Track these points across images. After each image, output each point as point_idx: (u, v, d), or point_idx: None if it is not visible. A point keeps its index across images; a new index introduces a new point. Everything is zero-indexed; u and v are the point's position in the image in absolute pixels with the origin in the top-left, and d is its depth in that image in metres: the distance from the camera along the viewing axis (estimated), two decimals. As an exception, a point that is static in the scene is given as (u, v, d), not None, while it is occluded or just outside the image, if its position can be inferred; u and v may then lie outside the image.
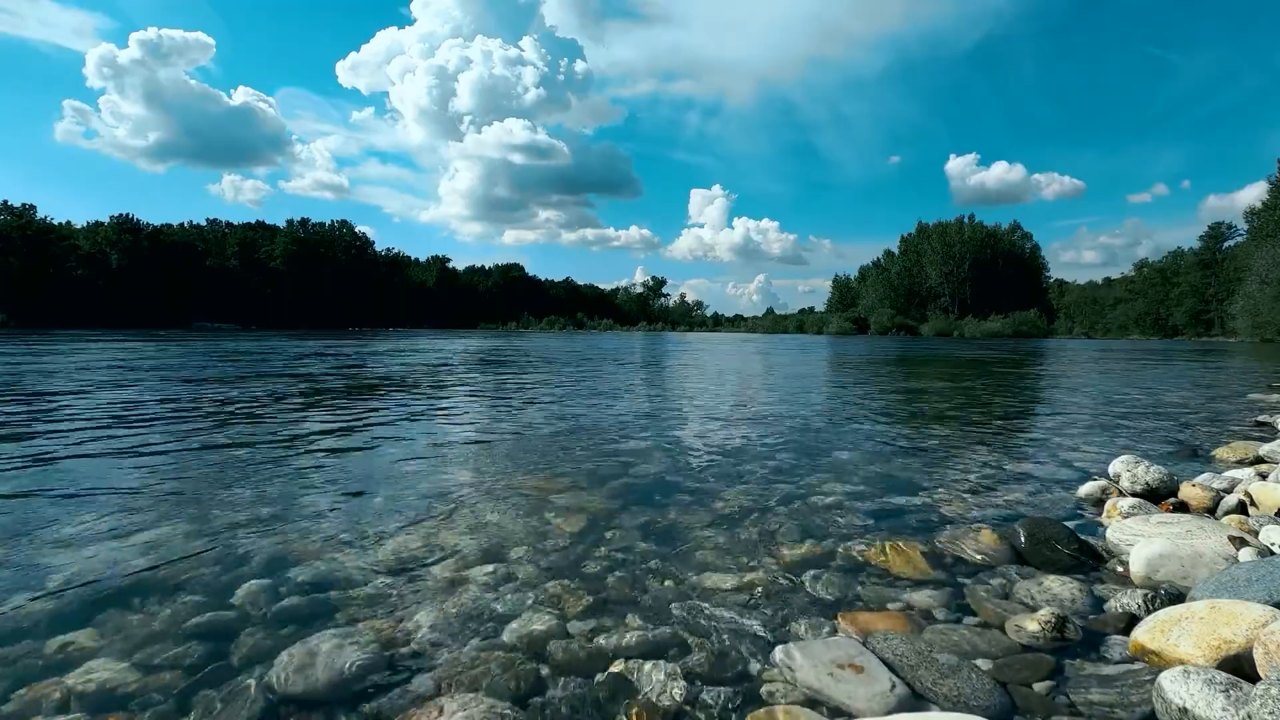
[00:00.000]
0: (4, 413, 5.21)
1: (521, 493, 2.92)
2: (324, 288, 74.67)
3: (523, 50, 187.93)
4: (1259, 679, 1.20)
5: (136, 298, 61.25)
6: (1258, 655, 1.27)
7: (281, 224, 79.01)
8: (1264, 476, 2.74)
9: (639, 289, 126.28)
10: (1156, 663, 1.41)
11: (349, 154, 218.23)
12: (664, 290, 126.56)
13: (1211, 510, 2.49)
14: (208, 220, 77.02)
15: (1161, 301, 64.42)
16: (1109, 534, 2.20)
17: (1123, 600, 1.73)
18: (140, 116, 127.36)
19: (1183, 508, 2.50)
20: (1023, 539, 2.16)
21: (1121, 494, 2.73)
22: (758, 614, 1.72)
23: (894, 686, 1.34)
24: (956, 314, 77.11)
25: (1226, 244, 60.69)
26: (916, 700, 1.32)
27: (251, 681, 1.39)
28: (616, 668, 1.45)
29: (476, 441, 4.28)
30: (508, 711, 1.27)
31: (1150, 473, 2.76)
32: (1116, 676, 1.39)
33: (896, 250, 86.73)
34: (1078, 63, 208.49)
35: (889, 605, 1.78)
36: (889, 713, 1.27)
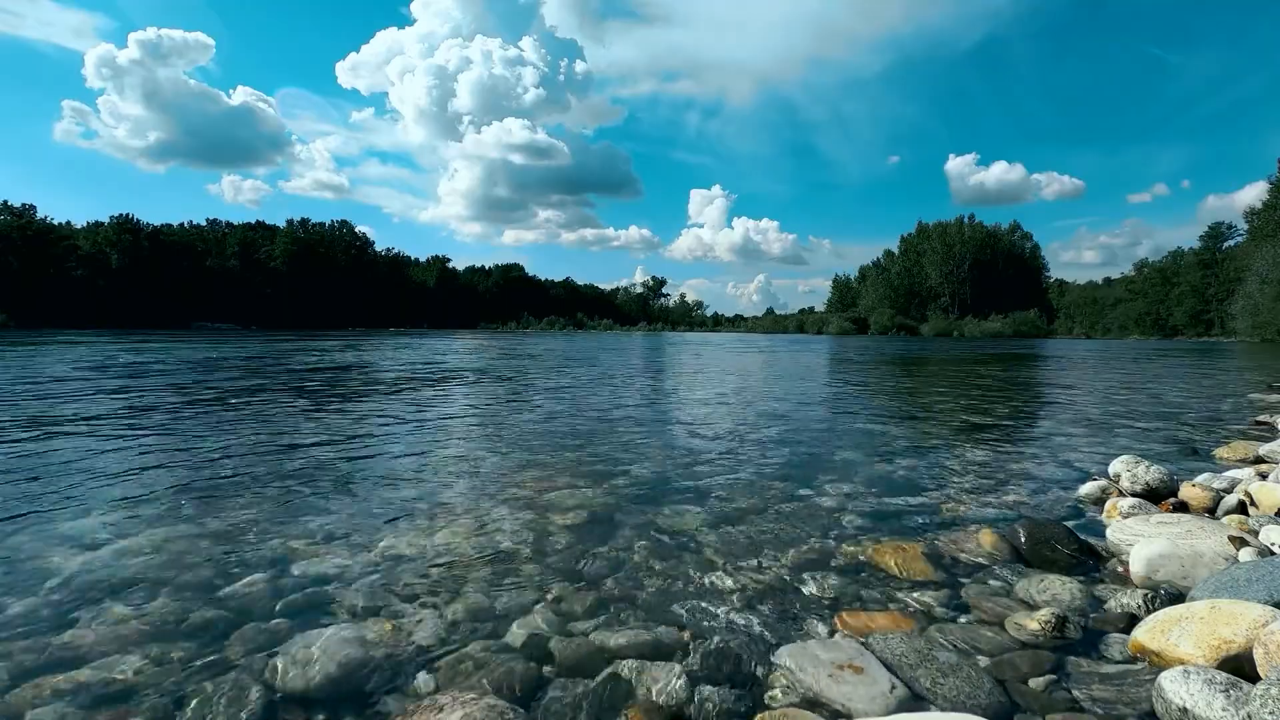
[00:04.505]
0: (4, 412, 5.21)
1: (522, 492, 2.92)
2: (324, 288, 74.59)
3: (523, 50, 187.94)
4: (1259, 679, 1.20)
5: (136, 298, 61.17)
6: (1258, 655, 1.27)
7: (281, 224, 78.98)
8: (1264, 476, 2.74)
9: (639, 289, 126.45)
10: (1157, 662, 1.41)
11: (349, 154, 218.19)
12: (664, 290, 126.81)
13: (1211, 510, 2.49)
14: (208, 220, 76.94)
15: (1161, 301, 64.39)
16: (1109, 534, 2.20)
17: (1123, 600, 1.74)
18: (139, 116, 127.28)
19: (1183, 508, 2.50)
20: (1023, 539, 2.16)
21: (1121, 494, 2.73)
22: (758, 614, 1.72)
23: (894, 687, 1.34)
24: (956, 314, 77.14)
25: (1226, 244, 60.73)
26: (916, 701, 1.32)
27: (251, 679, 1.39)
28: (617, 668, 1.45)
29: (477, 441, 4.28)
30: (508, 711, 1.26)
31: (1150, 473, 2.76)
32: (1116, 676, 1.39)
33: (896, 250, 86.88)
34: (1078, 63, 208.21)
35: (889, 605, 1.78)
36: (889, 713, 1.27)
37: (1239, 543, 1.91)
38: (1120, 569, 1.98)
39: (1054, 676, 1.40)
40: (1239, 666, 1.29)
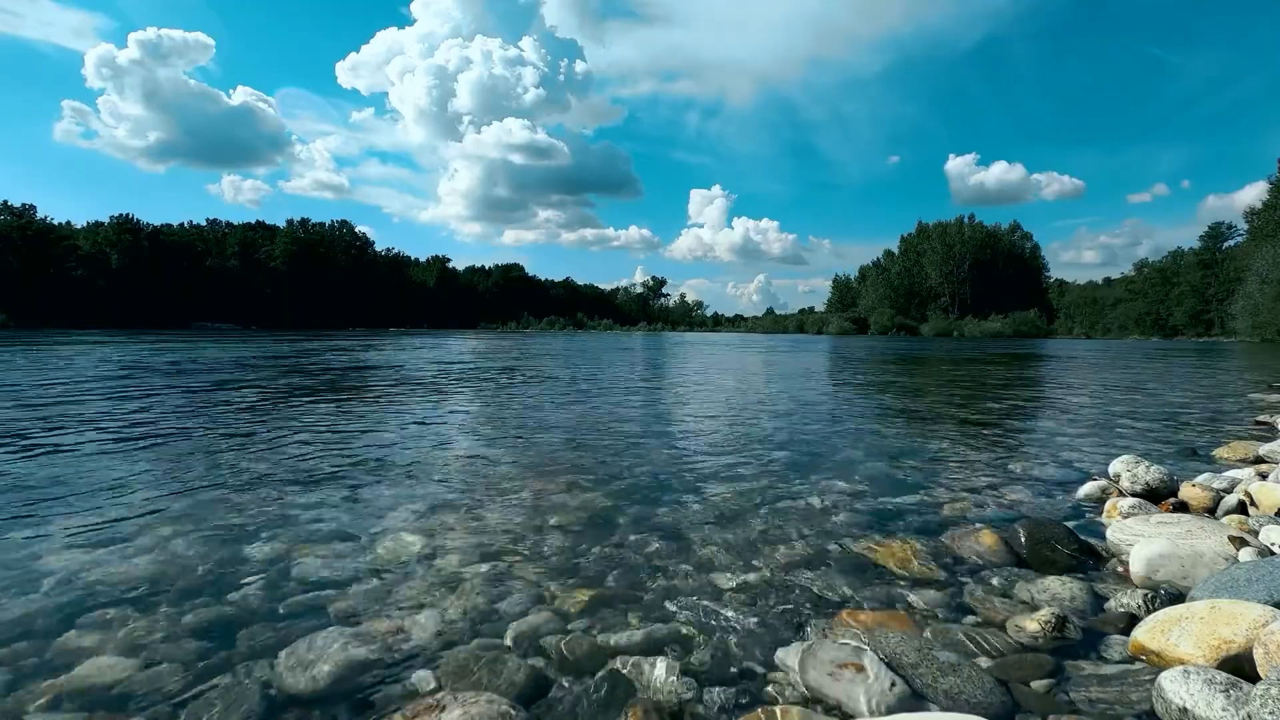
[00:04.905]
0: (4, 413, 5.22)
1: (522, 492, 2.92)
2: (324, 288, 74.55)
3: (523, 50, 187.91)
4: (1259, 679, 1.20)
5: (136, 298, 61.15)
6: (1258, 655, 1.27)
7: (281, 224, 78.97)
8: (1264, 476, 2.74)
9: (639, 289, 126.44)
10: (1157, 662, 1.41)
11: (349, 154, 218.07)
12: (664, 290, 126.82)
13: (1211, 510, 2.49)
14: (208, 220, 76.90)
15: (1161, 301, 64.37)
16: (1109, 534, 2.20)
17: (1123, 600, 1.74)
18: (139, 116, 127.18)
19: (1183, 508, 2.51)
20: (1023, 539, 2.16)
21: (1122, 494, 2.73)
22: (758, 613, 1.72)
23: (894, 685, 1.34)
24: (956, 314, 77.12)
25: (1226, 244, 60.73)
26: (916, 699, 1.32)
27: (252, 679, 1.39)
28: (617, 666, 1.46)
29: (477, 441, 4.28)
30: (508, 709, 1.27)
31: (1150, 473, 2.76)
32: (1117, 676, 1.39)
33: (896, 250, 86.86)
34: (1078, 63, 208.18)
35: (890, 605, 1.78)
36: (889, 712, 1.27)
37: (1239, 543, 1.91)
38: (1120, 569, 1.98)
39: (1054, 676, 1.40)
40: (1239, 666, 1.29)
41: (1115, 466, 2.95)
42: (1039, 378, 11.17)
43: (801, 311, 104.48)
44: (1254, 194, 79.69)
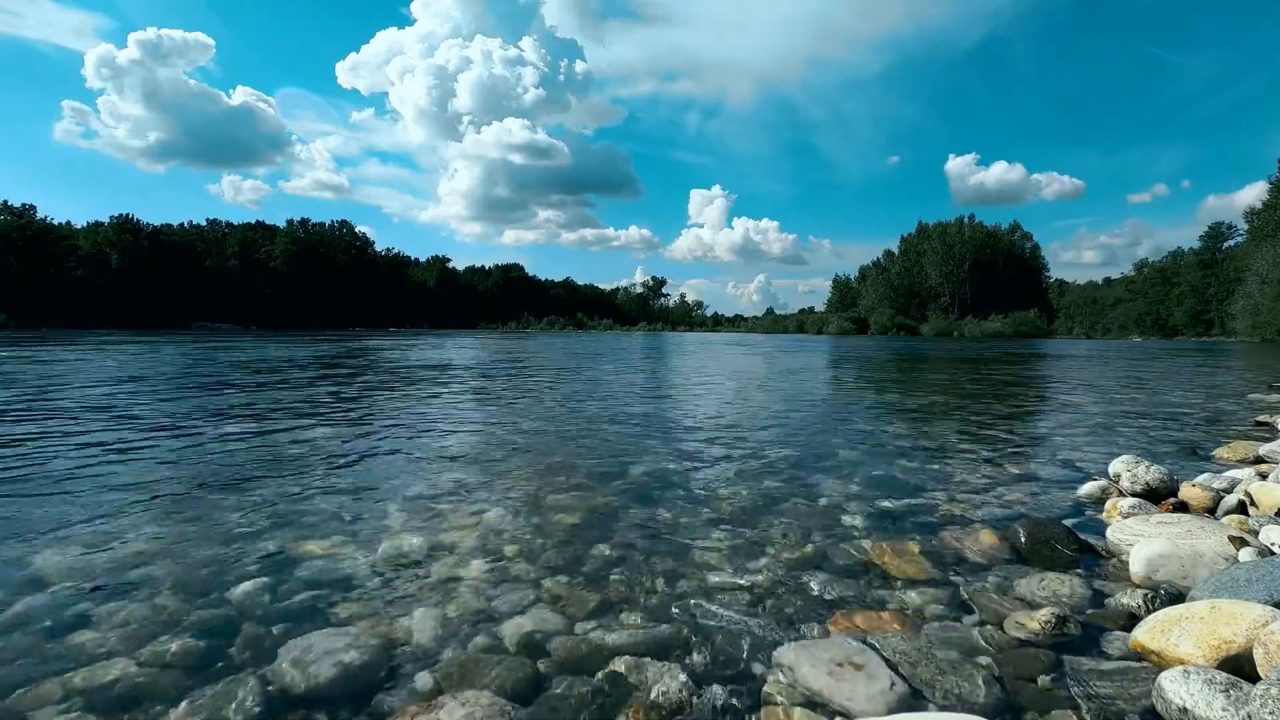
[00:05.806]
0: (5, 412, 5.21)
1: (522, 492, 2.92)
2: (324, 288, 74.50)
3: (523, 50, 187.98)
4: (1259, 679, 1.20)
5: (136, 298, 61.09)
6: (1258, 655, 1.27)
7: (281, 224, 78.92)
8: (1264, 476, 2.74)
9: (639, 289, 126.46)
10: (1157, 662, 1.41)
11: (349, 154, 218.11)
12: (664, 290, 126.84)
13: (1211, 510, 2.49)
14: (208, 220, 76.83)
15: (1161, 301, 64.35)
16: (1109, 534, 2.20)
17: (1123, 600, 1.74)
18: (139, 116, 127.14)
19: (1183, 508, 2.50)
20: (1023, 538, 2.16)
21: (1122, 494, 2.73)
22: (758, 613, 1.72)
23: (893, 684, 1.34)
24: (956, 314, 77.08)
25: (1226, 244, 60.72)
26: (916, 698, 1.32)
27: (252, 679, 1.38)
28: (616, 667, 1.45)
29: (477, 441, 4.28)
30: (508, 709, 1.27)
31: (1150, 472, 2.76)
32: (1116, 676, 1.39)
33: (896, 250, 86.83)
34: (1078, 63, 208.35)
35: (889, 604, 1.78)
36: (889, 711, 1.27)
37: (1239, 543, 1.91)
38: (1120, 569, 1.98)
39: (1054, 676, 1.40)
40: (1239, 666, 1.29)
41: (1115, 466, 2.95)
42: (1039, 377, 11.17)
43: (801, 311, 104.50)
44: (1254, 194, 79.68)
